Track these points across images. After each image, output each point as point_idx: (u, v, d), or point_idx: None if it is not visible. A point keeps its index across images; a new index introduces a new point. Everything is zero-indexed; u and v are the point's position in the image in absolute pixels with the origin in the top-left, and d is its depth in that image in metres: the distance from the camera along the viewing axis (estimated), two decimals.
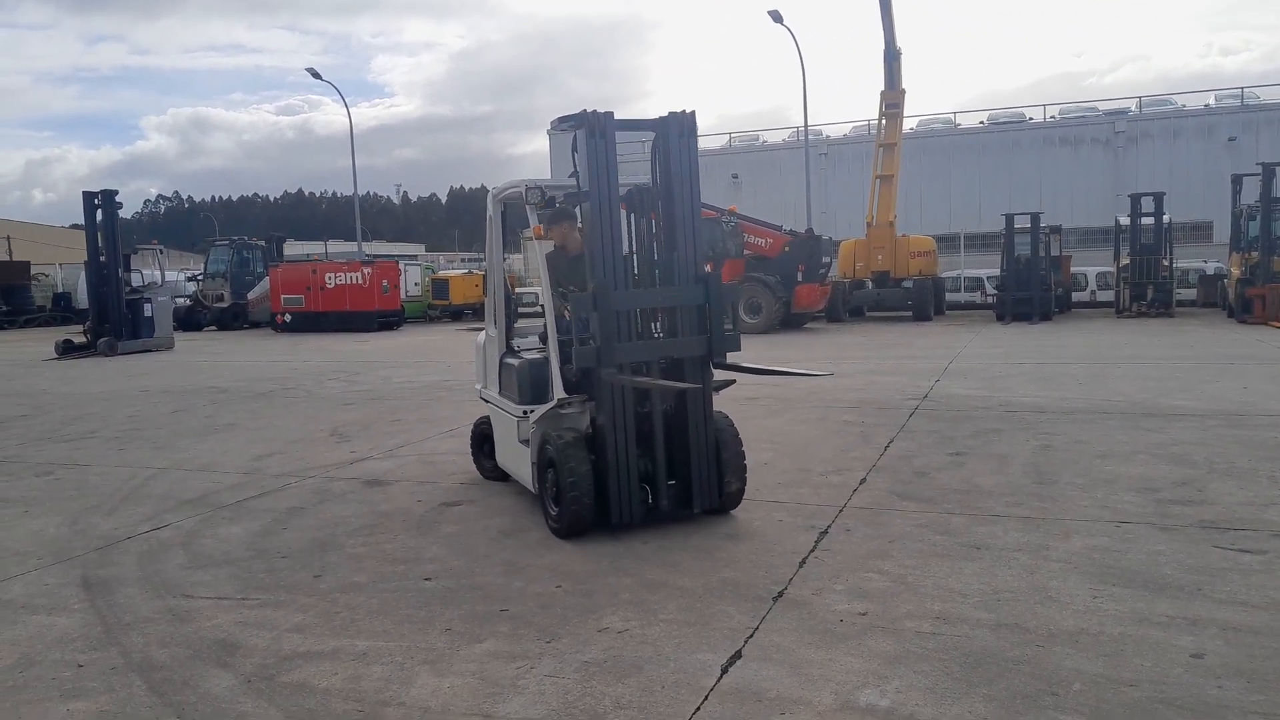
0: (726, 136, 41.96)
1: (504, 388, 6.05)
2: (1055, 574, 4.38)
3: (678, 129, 5.15)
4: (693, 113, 5.16)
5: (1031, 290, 20.79)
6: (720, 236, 19.77)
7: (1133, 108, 35.12)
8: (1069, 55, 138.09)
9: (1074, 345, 15.45)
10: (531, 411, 5.56)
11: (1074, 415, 8.46)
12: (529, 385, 5.65)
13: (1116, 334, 17.33)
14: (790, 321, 19.86)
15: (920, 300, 22.40)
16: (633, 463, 5.07)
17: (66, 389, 13.49)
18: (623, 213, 5.25)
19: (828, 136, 38.74)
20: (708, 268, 18.11)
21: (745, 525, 5.39)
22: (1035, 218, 21.20)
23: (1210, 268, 25.18)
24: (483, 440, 6.73)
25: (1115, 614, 3.86)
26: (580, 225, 5.56)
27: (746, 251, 19.98)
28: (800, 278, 19.47)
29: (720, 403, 9.55)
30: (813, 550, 4.88)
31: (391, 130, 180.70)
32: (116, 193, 19.16)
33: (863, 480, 6.34)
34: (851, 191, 34.32)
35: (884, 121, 23.90)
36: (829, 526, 5.30)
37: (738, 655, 3.63)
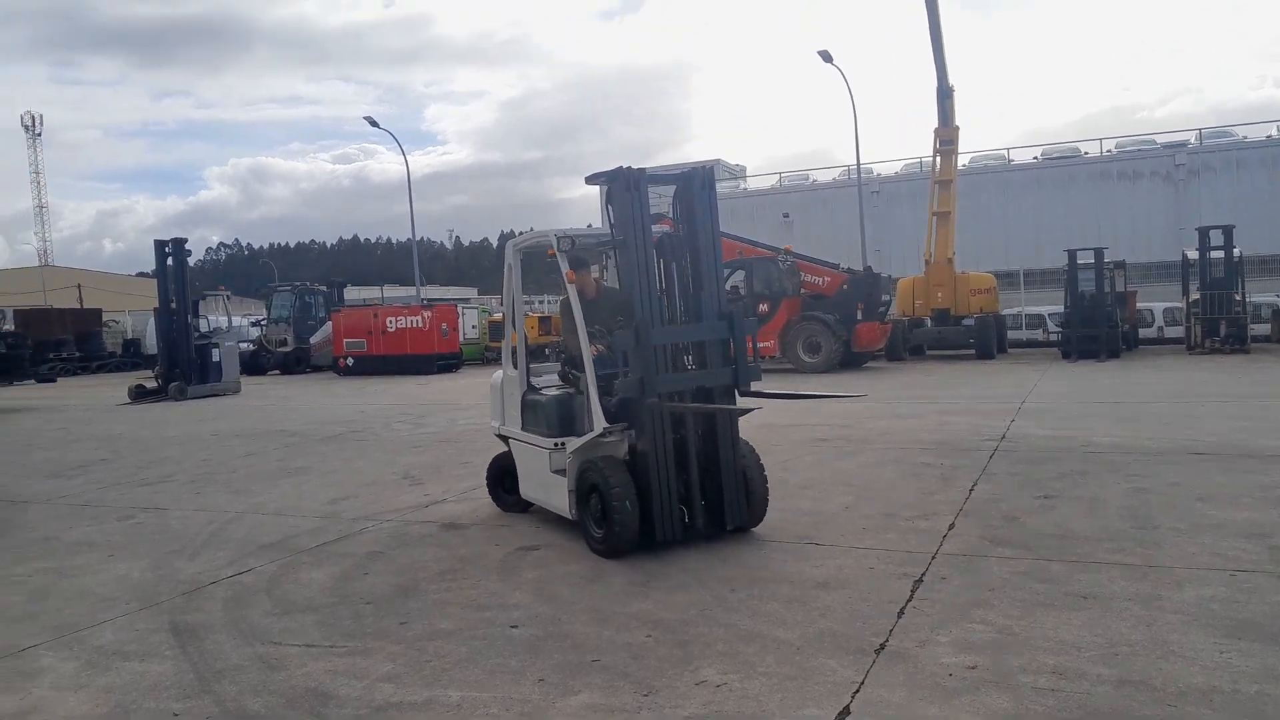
0: (776, 176, 42.05)
1: (530, 423, 6.44)
2: (1174, 626, 4.16)
3: (700, 181, 5.82)
4: (712, 167, 6.06)
5: (1098, 327, 20.31)
6: (777, 275, 19.68)
7: (1191, 140, 34.50)
8: (1118, 89, 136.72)
9: (1149, 383, 15.01)
10: (563, 443, 6.01)
11: (1163, 456, 8.16)
12: (559, 419, 6.13)
13: (1192, 371, 16.82)
14: (850, 361, 19.63)
15: (983, 338, 22.00)
16: (673, 483, 5.60)
17: (142, 433, 13.76)
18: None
19: (878, 175, 38.59)
20: (763, 307, 18.06)
21: (836, 573, 5.24)
22: (1099, 253, 20.77)
23: None
24: (501, 475, 7.05)
25: (1248, 671, 3.65)
26: (597, 273, 6.30)
27: (803, 290, 19.83)
28: (860, 316, 19.26)
29: (791, 445, 9.47)
30: (909, 599, 4.72)
31: (444, 177, 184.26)
32: (186, 240, 19.70)
33: (951, 525, 6.14)
34: (903, 229, 34.07)
35: (938, 158, 23.72)
36: (923, 574, 5.12)
37: (846, 711, 3.50)
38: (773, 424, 11.25)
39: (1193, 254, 21.63)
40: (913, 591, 4.84)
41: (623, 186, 5.60)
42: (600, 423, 5.66)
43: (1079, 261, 21.11)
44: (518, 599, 5.06)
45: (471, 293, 64.90)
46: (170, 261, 19.59)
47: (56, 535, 7.16)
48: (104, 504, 8.31)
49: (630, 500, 5.46)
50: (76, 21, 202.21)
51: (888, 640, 4.19)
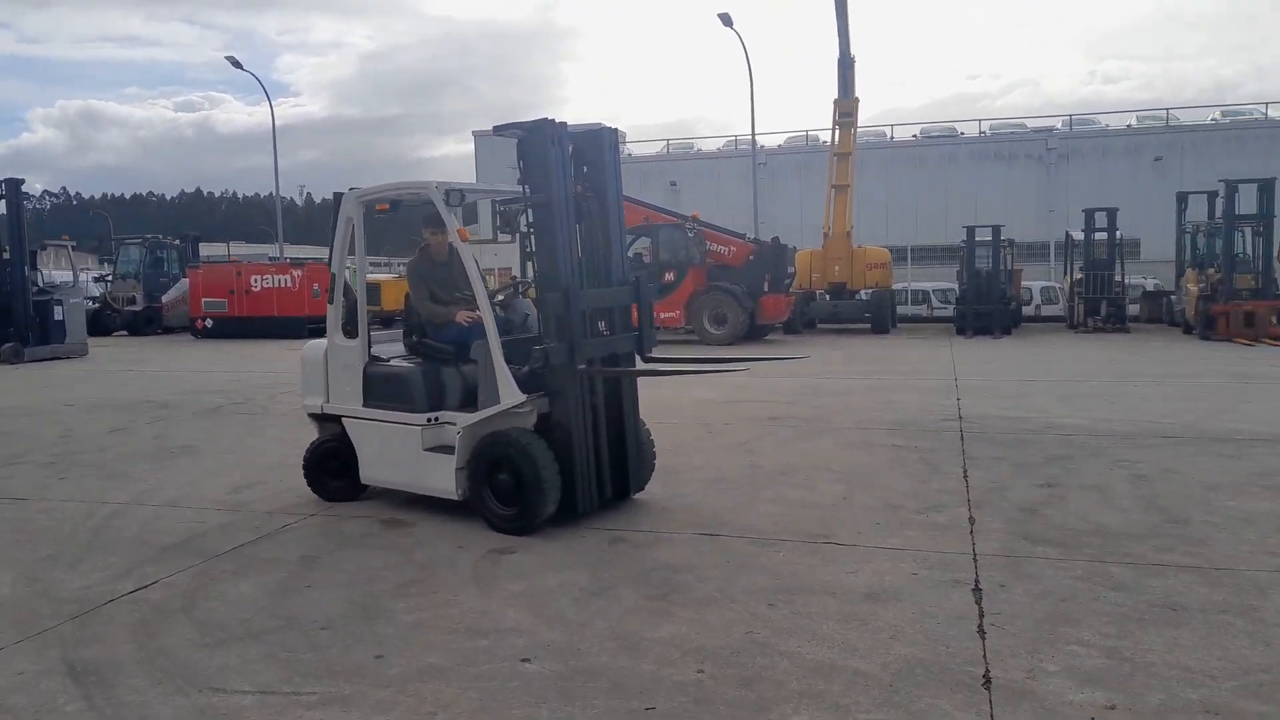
0: (661, 144, 41.40)
1: (381, 399, 5.91)
2: None
3: (607, 142, 5.66)
4: (615, 129, 5.88)
5: (992, 304, 20.59)
6: (683, 243, 18.99)
7: (1058, 125, 35.79)
8: (964, 78, 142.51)
9: (1063, 361, 14.97)
10: (437, 418, 5.69)
11: (1135, 440, 7.89)
12: (427, 392, 5.75)
13: (1090, 349, 17.11)
14: (753, 333, 19.20)
15: (879, 313, 22.01)
16: (599, 453, 5.54)
17: None
18: None
19: (763, 146, 38.44)
20: (669, 275, 17.27)
21: (876, 580, 4.56)
22: (996, 230, 21.02)
23: (1149, 284, 25.52)
24: (324, 460, 6.28)
25: None
26: (440, 233, 5.98)
27: (709, 260, 19.23)
28: (766, 288, 18.82)
29: (742, 424, 9.16)
30: (981, 615, 4.08)
31: (296, 130, 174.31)
32: (23, 181, 17.33)
33: (971, 520, 5.58)
34: (789, 201, 34.05)
35: (837, 130, 23.51)
36: (976, 581, 4.51)
37: None
38: (709, 400, 10.61)
39: (1077, 235, 22.19)
40: (978, 604, 4.21)
41: (546, 140, 5.29)
42: (514, 393, 5.36)
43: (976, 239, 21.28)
44: (514, 620, 4.16)
45: (324, 252, 61.56)
46: (3, 205, 17.23)
47: None
48: None
49: (553, 471, 5.25)
50: None
51: (989, 670, 3.53)
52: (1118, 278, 21.23)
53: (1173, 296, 22.55)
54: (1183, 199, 22.48)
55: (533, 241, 5.42)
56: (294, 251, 54.40)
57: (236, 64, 33.22)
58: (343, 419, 6.12)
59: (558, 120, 5.39)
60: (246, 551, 5.28)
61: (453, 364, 5.87)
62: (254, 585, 4.69)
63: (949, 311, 26.82)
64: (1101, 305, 21.23)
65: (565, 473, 5.32)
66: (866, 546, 5.11)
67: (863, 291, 22.67)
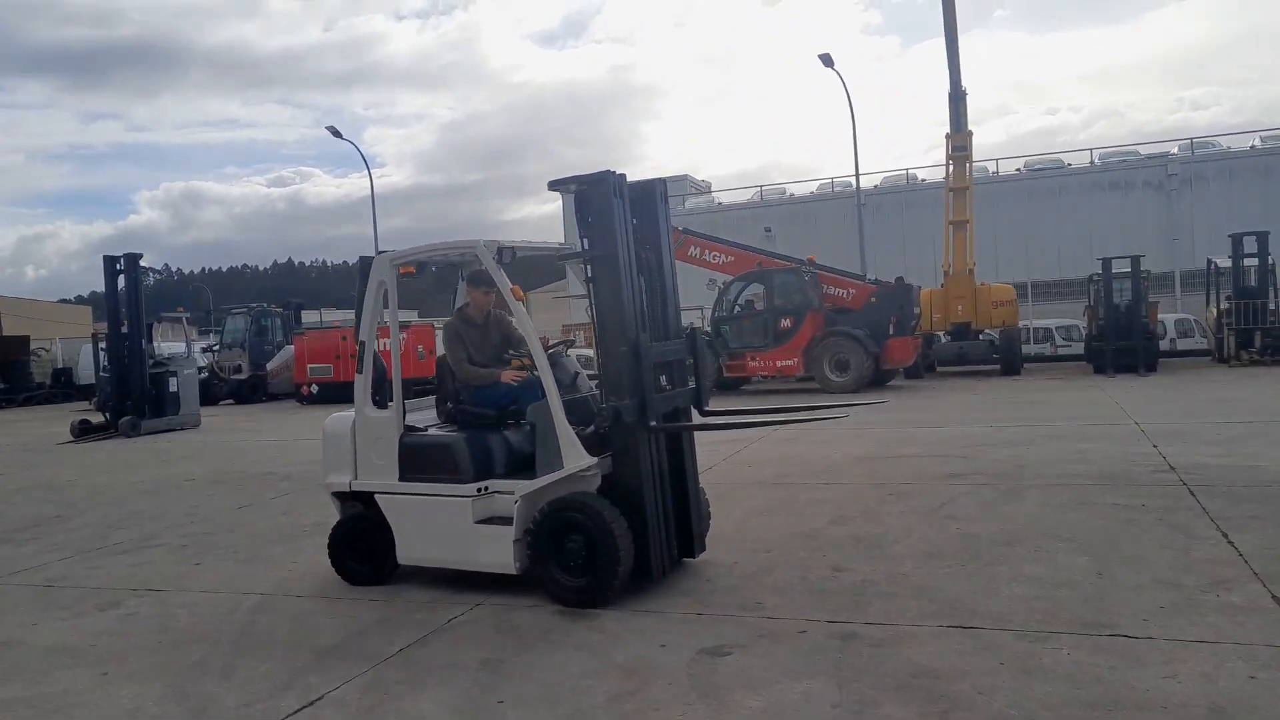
0: (751, 190, 40.84)
1: (421, 471, 5.54)
2: None
3: (660, 192, 5.50)
4: (664, 179, 5.71)
5: (1133, 339, 19.15)
6: (799, 287, 18.16)
7: (1174, 150, 34.03)
8: (1042, 113, 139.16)
9: (1244, 399, 13.45)
10: (487, 488, 5.39)
11: None
12: (474, 461, 5.44)
13: (1264, 385, 15.57)
14: (877, 379, 18.15)
15: (1009, 353, 20.71)
16: (669, 514, 5.30)
17: (98, 479, 11.61)
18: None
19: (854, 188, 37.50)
20: (785, 321, 16.22)
21: (1207, 686, 3.60)
22: (1136, 261, 19.64)
23: None
24: (352, 541, 5.82)
25: None
26: (489, 292, 5.80)
27: (826, 304, 18.32)
28: (891, 330, 17.80)
29: (922, 482, 8.32)
30: None
31: (382, 200, 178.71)
32: (140, 256, 17.47)
33: (1277, 599, 4.54)
34: (890, 242, 32.94)
35: (951, 165, 22.49)
36: None
37: None
38: (867, 456, 9.68)
39: (1224, 261, 20.65)
40: None
41: (608, 192, 5.15)
42: (580, 456, 5.09)
43: (1114, 270, 19.88)
44: None
45: (412, 315, 62.41)
46: (122, 279, 17.35)
47: (20, 639, 5.18)
48: (74, 582, 6.33)
49: (627, 538, 4.97)
50: (4, 44, 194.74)
51: None
52: (1272, 306, 19.59)
53: None
54: None
55: (592, 296, 5.24)
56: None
57: (336, 133, 34.06)
58: (375, 495, 5.68)
59: (618, 172, 5.27)
60: (416, 655, 4.56)
61: (497, 429, 5.62)
62: (436, 701, 3.96)
63: (1073, 349, 25.40)
64: (1255, 336, 19.59)
65: (637, 537, 5.06)
66: (1166, 640, 4.14)
67: (986, 331, 21.41)
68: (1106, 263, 19.78)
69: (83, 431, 17.04)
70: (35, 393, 31.29)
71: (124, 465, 13.02)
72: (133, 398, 17.22)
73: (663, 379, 5.43)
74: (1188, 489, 7.12)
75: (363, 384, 5.77)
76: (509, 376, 5.65)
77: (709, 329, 20.23)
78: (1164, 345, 24.01)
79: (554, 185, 5.32)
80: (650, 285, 5.46)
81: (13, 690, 4.38)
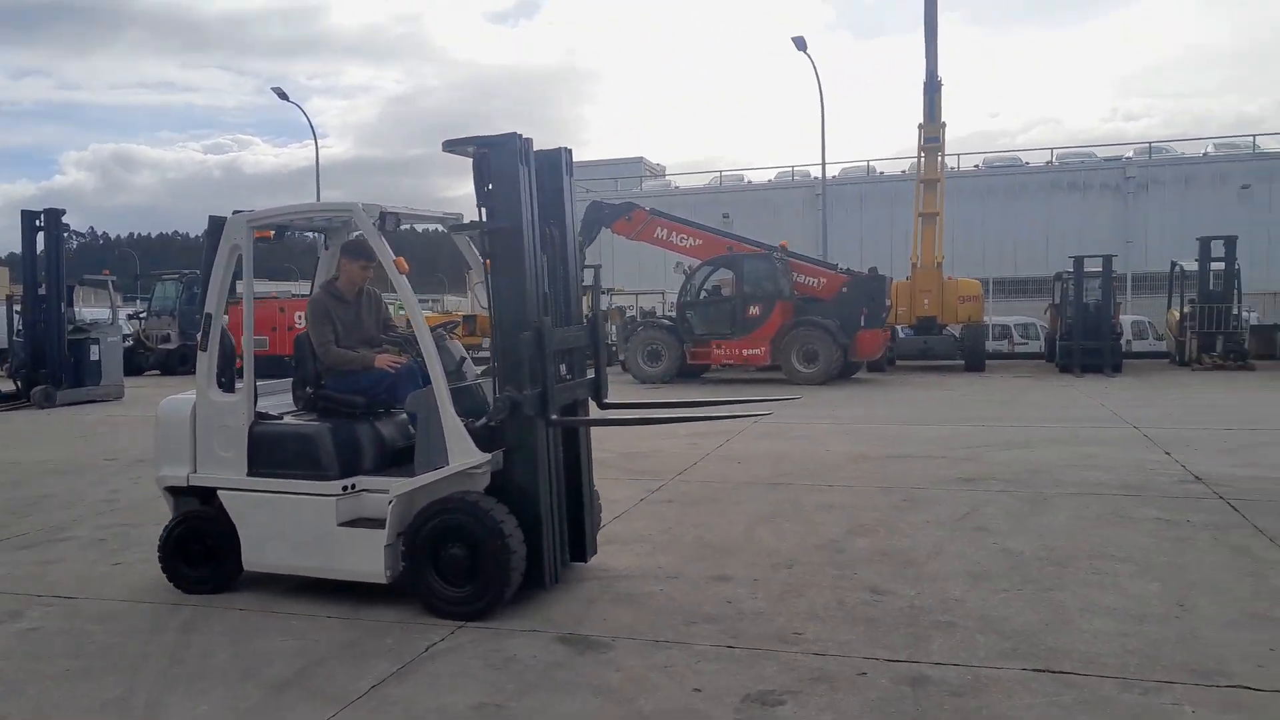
0: (709, 176, 40.16)
1: (280, 464, 4.88)
2: None
3: (567, 163, 5.00)
4: (569, 148, 5.02)
5: (1102, 340, 18.90)
6: (770, 275, 17.48)
7: (1130, 154, 34.19)
8: (985, 115, 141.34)
9: (1230, 405, 12.93)
10: (354, 486, 4.79)
11: None
12: (344, 454, 4.84)
13: (1241, 390, 15.26)
14: (844, 371, 17.59)
15: (974, 349, 20.33)
16: (563, 516, 4.88)
17: (1, 455, 10.41)
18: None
19: (814, 178, 37.09)
20: (753, 309, 15.39)
21: None
22: (1108, 261, 19.38)
23: (1252, 317, 23.74)
24: (188, 543, 5.09)
25: None
26: (366, 265, 5.23)
27: (796, 293, 17.68)
28: (863, 322, 17.22)
29: (934, 486, 7.74)
30: None
31: (322, 171, 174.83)
32: (63, 212, 16.03)
33: None
34: (849, 233, 32.51)
35: (923, 156, 22.01)
36: None
37: None
38: (859, 454, 9.03)
39: (1189, 265, 20.54)
40: None
41: (514, 157, 4.59)
42: (470, 452, 4.54)
43: (1085, 270, 19.59)
44: None
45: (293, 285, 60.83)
46: (41, 238, 15.92)
47: None
48: None
49: (519, 541, 4.49)
50: None
51: None
52: (1236, 311, 19.52)
53: None
54: None
55: (489, 274, 4.69)
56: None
57: (283, 95, 32.72)
58: (218, 492, 5.00)
59: (525, 136, 4.70)
60: (393, 695, 3.71)
61: (366, 419, 5.03)
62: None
63: (1029, 347, 25.25)
64: (1218, 340, 19.51)
65: (529, 541, 4.57)
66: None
67: (952, 326, 21.02)
68: (1078, 261, 19.48)
69: None
70: None
71: (35, 441, 11.80)
72: (48, 365, 15.82)
73: (563, 368, 5.01)
74: (1227, 503, 6.56)
75: (206, 364, 5.08)
76: (384, 361, 5.11)
77: (673, 314, 19.52)
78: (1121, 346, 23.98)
79: (450, 145, 4.70)
80: (553, 265, 4.96)
81: None
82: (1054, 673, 3.74)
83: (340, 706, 3.60)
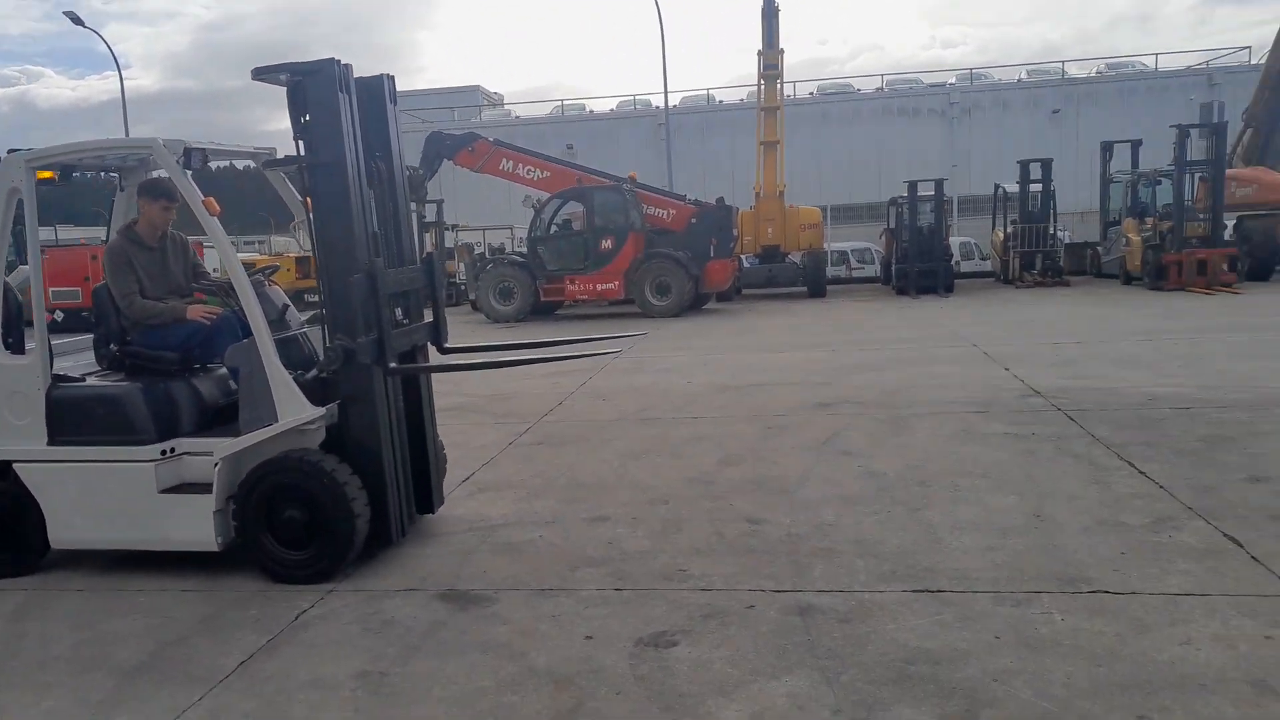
0: (555, 105, 39.34)
1: (86, 431, 4.51)
2: None
3: (390, 91, 4.70)
4: (391, 75, 4.71)
5: (935, 262, 19.79)
6: (621, 207, 17.31)
7: (953, 80, 35.58)
8: (815, 43, 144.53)
9: (1053, 320, 13.69)
10: (173, 449, 4.50)
11: (1266, 412, 6.83)
12: (159, 416, 4.51)
13: (1059, 306, 16.26)
14: (695, 302, 17.75)
15: (815, 276, 20.90)
16: (407, 468, 4.67)
17: None
18: None
19: (656, 107, 36.92)
20: (606, 243, 15.37)
21: (1228, 652, 3.20)
22: (939, 185, 20.18)
23: (1066, 236, 25.36)
24: None
25: None
26: (169, 206, 4.78)
27: (647, 225, 17.62)
28: (712, 253, 17.34)
29: (798, 413, 7.75)
30: None
31: (128, 105, 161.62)
32: None
33: (1232, 539, 4.28)
34: (692, 163, 32.58)
35: (763, 83, 22.15)
36: None
37: None
38: (723, 385, 9.14)
39: (1011, 187, 21.64)
40: None
41: (333, 85, 4.28)
42: (302, 406, 4.31)
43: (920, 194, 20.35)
44: None
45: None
46: None
47: None
48: None
49: (363, 498, 4.31)
50: None
51: None
52: (1052, 230, 20.79)
53: (1099, 248, 22.33)
54: (1107, 148, 22.22)
55: (310, 213, 4.43)
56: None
57: (77, 20, 29.58)
58: (14, 465, 4.59)
59: (343, 62, 4.38)
60: (265, 670, 3.48)
61: (181, 377, 4.72)
62: None
63: (866, 271, 26.19)
64: (1037, 259, 20.77)
65: (373, 497, 4.38)
66: (1151, 594, 3.74)
67: (794, 254, 21.53)
68: (912, 185, 20.22)
69: None
70: None
71: None
72: None
73: (399, 312, 4.76)
74: (1065, 415, 6.98)
75: None
76: (197, 312, 4.76)
77: (523, 250, 19.14)
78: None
79: (260, 73, 4.33)
80: (382, 201, 4.70)
81: None
82: (932, 592, 3.87)
83: (208, 687, 3.34)
